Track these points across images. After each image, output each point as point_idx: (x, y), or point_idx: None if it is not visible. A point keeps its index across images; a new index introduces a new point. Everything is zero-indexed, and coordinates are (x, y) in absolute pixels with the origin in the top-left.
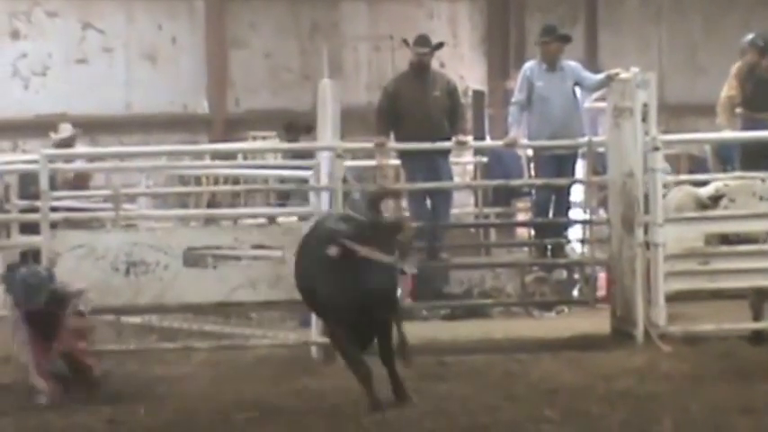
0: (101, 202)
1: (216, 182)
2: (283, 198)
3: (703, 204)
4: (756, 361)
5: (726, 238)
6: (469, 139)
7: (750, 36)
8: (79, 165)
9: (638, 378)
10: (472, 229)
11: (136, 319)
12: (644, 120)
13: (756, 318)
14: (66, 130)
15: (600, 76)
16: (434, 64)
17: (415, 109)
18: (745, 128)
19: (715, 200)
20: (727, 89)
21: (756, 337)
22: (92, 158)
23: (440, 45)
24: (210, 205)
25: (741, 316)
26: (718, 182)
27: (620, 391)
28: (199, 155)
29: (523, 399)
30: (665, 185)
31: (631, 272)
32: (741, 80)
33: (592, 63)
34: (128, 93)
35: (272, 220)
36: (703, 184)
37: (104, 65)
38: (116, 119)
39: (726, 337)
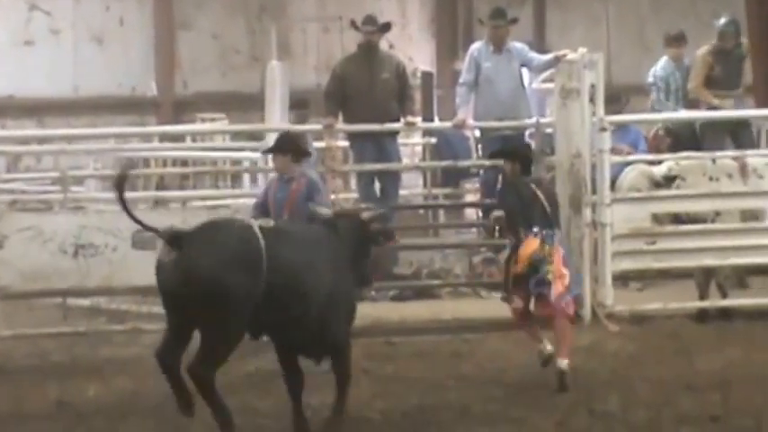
0: (48, 184)
1: (164, 164)
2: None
3: (657, 183)
4: (701, 340)
5: (678, 218)
6: (418, 120)
7: (723, 20)
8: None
9: (585, 357)
10: (421, 211)
11: (84, 302)
12: (591, 100)
13: (702, 297)
14: None
15: (547, 57)
16: (383, 45)
17: (363, 90)
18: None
19: (670, 180)
20: (701, 68)
21: (701, 316)
22: (39, 140)
23: (387, 25)
24: (159, 187)
25: (687, 295)
26: (671, 161)
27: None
28: (147, 137)
29: (471, 379)
30: None
31: (579, 252)
32: (712, 61)
33: (540, 42)
34: (75, 75)
35: None
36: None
37: (51, 47)
38: (64, 101)
39: (672, 315)
